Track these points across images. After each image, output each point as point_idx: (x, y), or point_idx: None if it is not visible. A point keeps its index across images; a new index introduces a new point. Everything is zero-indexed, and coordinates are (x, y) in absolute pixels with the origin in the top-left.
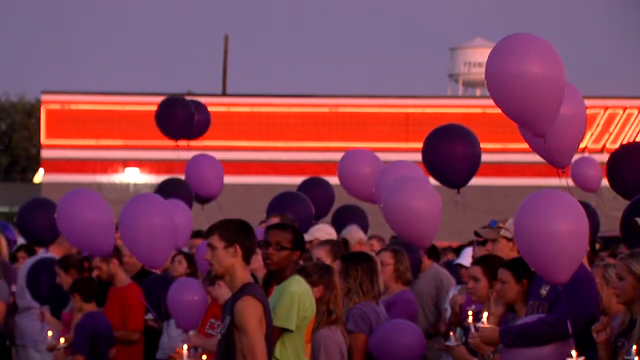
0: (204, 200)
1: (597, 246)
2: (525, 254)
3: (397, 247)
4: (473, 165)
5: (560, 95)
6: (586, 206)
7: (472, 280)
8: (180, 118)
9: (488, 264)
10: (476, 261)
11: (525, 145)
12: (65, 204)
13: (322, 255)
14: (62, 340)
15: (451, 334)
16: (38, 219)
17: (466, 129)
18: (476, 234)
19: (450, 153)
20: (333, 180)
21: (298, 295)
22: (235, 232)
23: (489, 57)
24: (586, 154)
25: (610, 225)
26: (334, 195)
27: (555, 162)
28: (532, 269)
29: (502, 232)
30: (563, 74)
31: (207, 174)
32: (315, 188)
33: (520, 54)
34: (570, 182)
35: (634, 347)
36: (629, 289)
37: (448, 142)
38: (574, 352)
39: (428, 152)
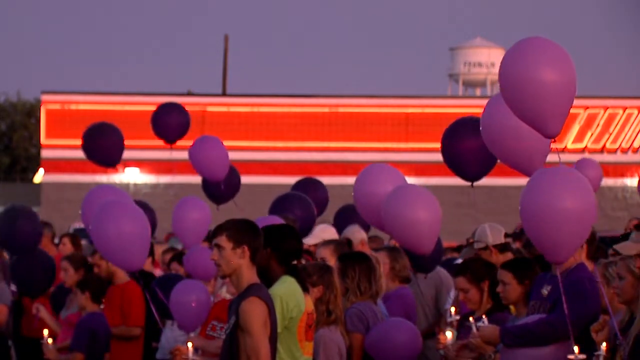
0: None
1: None
2: (529, 229)
3: (393, 246)
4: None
5: (572, 97)
6: None
7: (462, 292)
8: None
9: (471, 269)
10: (457, 271)
11: None
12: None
13: (327, 255)
14: (49, 340)
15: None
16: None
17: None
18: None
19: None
20: (333, 180)
21: (279, 297)
22: (243, 233)
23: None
24: (586, 154)
25: (611, 225)
26: (327, 196)
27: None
28: (534, 244)
29: (476, 245)
30: (575, 78)
31: (212, 156)
32: (308, 189)
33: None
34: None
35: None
36: (628, 288)
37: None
38: (575, 348)
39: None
